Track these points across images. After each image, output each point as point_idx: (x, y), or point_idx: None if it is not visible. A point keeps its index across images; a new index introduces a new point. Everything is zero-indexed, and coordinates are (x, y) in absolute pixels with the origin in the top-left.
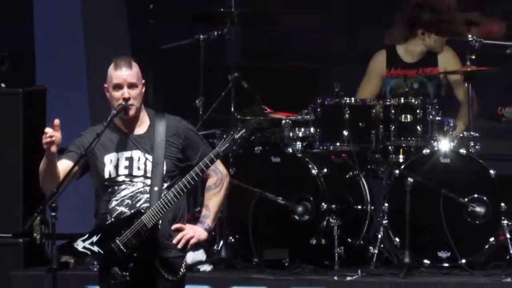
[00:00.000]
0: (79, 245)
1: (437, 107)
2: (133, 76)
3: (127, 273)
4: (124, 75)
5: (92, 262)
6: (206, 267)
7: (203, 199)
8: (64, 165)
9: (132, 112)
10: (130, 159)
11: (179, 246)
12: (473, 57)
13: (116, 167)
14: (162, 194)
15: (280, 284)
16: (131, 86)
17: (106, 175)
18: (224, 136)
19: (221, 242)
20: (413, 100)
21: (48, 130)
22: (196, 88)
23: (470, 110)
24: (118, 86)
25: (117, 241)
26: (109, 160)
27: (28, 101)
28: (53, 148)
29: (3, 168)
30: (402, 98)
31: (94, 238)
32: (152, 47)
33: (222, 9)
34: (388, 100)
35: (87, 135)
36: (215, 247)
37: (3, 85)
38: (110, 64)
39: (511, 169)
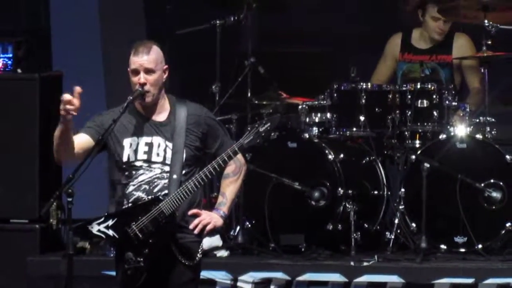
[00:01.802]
0: (94, 228)
1: (453, 92)
2: (150, 61)
3: (141, 259)
4: (141, 60)
5: (109, 248)
6: (223, 253)
7: (220, 185)
8: (80, 139)
9: (148, 99)
10: (150, 145)
11: (196, 232)
12: (489, 42)
13: (135, 151)
14: (182, 182)
15: (297, 269)
16: (148, 71)
17: (125, 159)
18: (249, 128)
19: (238, 228)
20: (429, 86)
21: (67, 96)
22: (213, 74)
23: (486, 95)
24: (135, 71)
25: (133, 226)
26: (128, 143)
27: (45, 87)
28: (69, 116)
29: (20, 154)
30: (418, 84)
31: (110, 222)
32: (168, 32)
33: None
34: (405, 86)
35: (107, 116)
36: (231, 233)
37: (19, 70)
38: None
39: None
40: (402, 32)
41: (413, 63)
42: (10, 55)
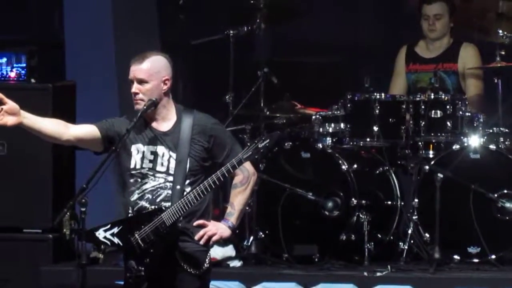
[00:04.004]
0: (101, 234)
1: (466, 102)
2: (141, 71)
3: (143, 268)
4: (133, 70)
5: (121, 258)
6: (236, 263)
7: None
8: (88, 129)
9: (138, 106)
10: (155, 154)
11: (201, 242)
12: (503, 52)
13: (142, 159)
14: (184, 193)
15: (310, 280)
16: (140, 81)
17: (132, 165)
18: (249, 143)
19: (251, 238)
20: (443, 96)
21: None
22: (226, 84)
23: (500, 105)
24: (131, 81)
25: (136, 235)
26: (136, 150)
27: (58, 96)
28: (10, 121)
29: (33, 164)
30: (432, 94)
31: (115, 230)
32: (182, 42)
33: (252, 1)
34: (418, 96)
35: (119, 120)
36: (245, 243)
37: (33, 80)
38: None
39: None
40: (407, 44)
41: (419, 73)
42: (24, 65)
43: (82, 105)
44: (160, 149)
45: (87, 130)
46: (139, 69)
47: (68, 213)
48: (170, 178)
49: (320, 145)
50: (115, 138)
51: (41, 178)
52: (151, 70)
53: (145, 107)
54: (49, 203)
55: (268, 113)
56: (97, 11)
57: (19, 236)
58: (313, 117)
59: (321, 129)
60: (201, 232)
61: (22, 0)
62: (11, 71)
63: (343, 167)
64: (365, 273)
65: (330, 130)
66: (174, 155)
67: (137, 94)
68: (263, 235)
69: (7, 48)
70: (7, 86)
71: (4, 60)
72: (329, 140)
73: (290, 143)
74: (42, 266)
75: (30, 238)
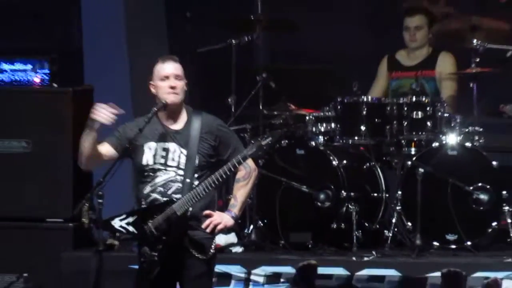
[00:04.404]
0: (116, 223)
1: (445, 104)
2: (178, 69)
3: (156, 254)
4: (172, 67)
5: (135, 244)
6: (238, 249)
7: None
8: (104, 148)
9: (176, 99)
10: (167, 150)
11: (207, 231)
12: (478, 59)
13: (154, 156)
14: (193, 186)
15: None
16: (177, 77)
17: (144, 162)
18: (252, 141)
19: (251, 226)
20: (423, 99)
21: (102, 105)
22: (228, 88)
23: (475, 107)
24: (166, 77)
25: (149, 224)
26: (148, 148)
27: (77, 99)
28: (97, 125)
29: (55, 160)
30: (414, 97)
31: (130, 219)
32: (189, 50)
33: (252, 17)
34: (401, 99)
35: (131, 125)
36: (245, 231)
37: (55, 84)
38: (156, 64)
39: (510, 161)
40: (388, 54)
41: (401, 80)
42: (47, 71)
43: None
44: (172, 146)
45: (105, 153)
46: (175, 67)
47: (86, 204)
48: (181, 172)
49: (313, 143)
50: (128, 144)
51: (62, 173)
52: (182, 71)
53: (156, 109)
54: (69, 195)
55: (266, 114)
56: (112, 21)
57: (42, 225)
58: (307, 117)
59: (314, 129)
60: (208, 221)
61: (44, 12)
62: (36, 76)
63: (334, 162)
64: (354, 258)
65: (322, 129)
66: (184, 151)
67: (175, 87)
68: (262, 224)
69: (32, 56)
70: (32, 90)
71: (29, 66)
72: (321, 138)
73: (286, 141)
74: (63, 252)
75: (52, 227)
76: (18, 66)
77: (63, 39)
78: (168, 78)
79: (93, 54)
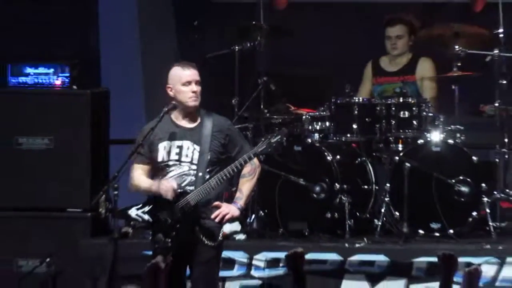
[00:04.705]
0: (133, 212)
1: (429, 105)
2: (197, 75)
3: (170, 240)
4: (193, 74)
5: (148, 231)
6: (241, 236)
7: (238, 181)
8: (142, 171)
9: (196, 102)
10: (181, 147)
11: (217, 220)
12: (459, 64)
13: (168, 153)
14: (205, 179)
15: None
16: (197, 82)
17: (160, 159)
18: (262, 139)
19: (253, 216)
20: (409, 100)
21: (167, 184)
22: (232, 90)
23: (456, 107)
24: (188, 82)
25: (164, 213)
26: (163, 147)
27: (95, 100)
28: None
29: (75, 157)
30: (401, 98)
31: (146, 208)
32: (197, 55)
33: (254, 23)
34: (390, 100)
35: (145, 132)
36: (248, 220)
37: (74, 87)
38: (173, 69)
39: (490, 156)
40: (371, 60)
41: (385, 85)
42: (67, 75)
43: (114, 107)
44: (186, 143)
45: (145, 173)
46: (196, 73)
47: (103, 196)
48: (194, 167)
49: (309, 140)
50: (150, 150)
51: (80, 168)
52: (199, 77)
53: (166, 109)
54: (87, 188)
55: (267, 114)
56: (126, 31)
57: (63, 215)
58: (304, 117)
59: (310, 127)
60: (217, 212)
61: (66, 23)
62: (57, 79)
63: (328, 158)
64: (346, 245)
65: (318, 127)
66: (197, 148)
67: (196, 92)
68: (263, 214)
69: (54, 61)
70: (54, 91)
71: (51, 70)
72: (317, 136)
73: (285, 139)
74: (82, 239)
75: (72, 216)
76: (41, 70)
77: (83, 47)
78: (190, 83)
79: (109, 60)
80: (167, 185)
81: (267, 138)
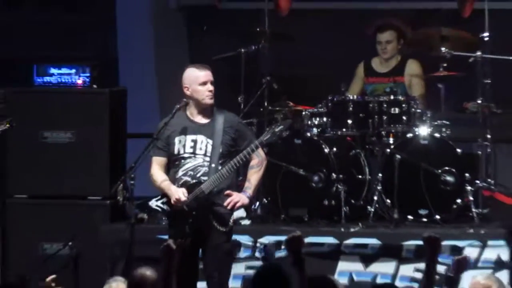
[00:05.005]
0: (153, 203)
1: (418, 102)
2: (212, 75)
3: (186, 226)
4: (209, 75)
5: (162, 217)
6: (246, 222)
7: (246, 172)
8: (160, 165)
9: (212, 101)
10: (195, 141)
11: (229, 207)
12: (445, 64)
13: (184, 146)
14: (218, 170)
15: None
16: (212, 83)
17: (175, 152)
18: (267, 128)
19: (258, 203)
20: (400, 97)
21: (179, 194)
22: (238, 88)
23: (442, 104)
24: (204, 83)
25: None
26: (178, 140)
27: (113, 99)
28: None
29: (95, 150)
30: (392, 96)
31: (165, 199)
32: (206, 57)
33: (258, 29)
34: (382, 97)
35: (159, 127)
36: (253, 207)
37: (94, 86)
38: (188, 70)
39: (473, 149)
40: (363, 60)
41: (375, 85)
42: (88, 75)
43: (131, 104)
44: (200, 137)
45: (163, 166)
46: (211, 74)
47: (121, 185)
48: (207, 159)
49: (308, 134)
50: (167, 143)
51: (100, 159)
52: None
53: (178, 106)
54: (106, 178)
55: (270, 110)
56: (142, 36)
57: (84, 202)
58: (303, 113)
59: (309, 122)
60: (229, 200)
61: (87, 29)
62: (79, 79)
63: (326, 150)
64: (342, 229)
65: (316, 122)
66: (210, 141)
67: (212, 91)
68: (266, 201)
69: (76, 63)
70: (76, 90)
71: (73, 71)
72: (315, 130)
73: (287, 133)
74: (102, 225)
75: (93, 204)
76: (64, 70)
77: (102, 50)
78: (206, 83)
79: (126, 62)
80: (177, 197)
81: (271, 128)
